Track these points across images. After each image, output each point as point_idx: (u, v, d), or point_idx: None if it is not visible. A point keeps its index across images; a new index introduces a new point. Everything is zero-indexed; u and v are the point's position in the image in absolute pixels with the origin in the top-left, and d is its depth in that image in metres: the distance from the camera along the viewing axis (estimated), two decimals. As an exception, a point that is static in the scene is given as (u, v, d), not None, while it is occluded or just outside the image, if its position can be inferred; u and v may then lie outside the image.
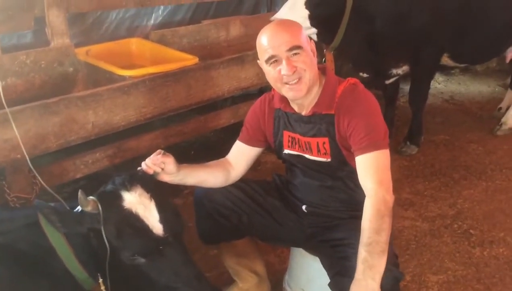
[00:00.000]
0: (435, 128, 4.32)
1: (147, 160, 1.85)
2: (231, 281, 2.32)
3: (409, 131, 3.94)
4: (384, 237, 1.62)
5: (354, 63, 3.68)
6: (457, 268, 2.61)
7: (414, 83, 3.77)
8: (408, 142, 3.91)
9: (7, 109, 2.16)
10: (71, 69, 2.93)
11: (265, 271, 2.31)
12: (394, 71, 3.67)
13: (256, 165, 3.68)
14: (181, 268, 1.69)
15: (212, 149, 3.73)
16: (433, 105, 4.79)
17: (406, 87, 4.29)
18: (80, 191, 1.64)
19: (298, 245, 2.18)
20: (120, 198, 1.69)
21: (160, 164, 1.83)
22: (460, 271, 2.59)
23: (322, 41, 3.38)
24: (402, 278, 1.73)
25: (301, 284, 2.25)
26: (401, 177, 3.54)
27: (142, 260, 1.66)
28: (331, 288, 1.76)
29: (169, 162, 1.85)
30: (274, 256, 2.68)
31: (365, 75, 3.65)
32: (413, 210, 3.15)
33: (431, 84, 3.96)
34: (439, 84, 5.50)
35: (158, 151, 1.88)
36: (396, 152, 3.86)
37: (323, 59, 3.43)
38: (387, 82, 3.83)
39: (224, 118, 3.44)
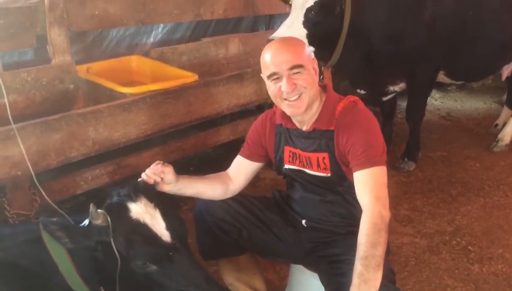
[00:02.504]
0: (432, 145, 4.35)
1: (147, 170, 1.90)
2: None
3: (407, 148, 3.97)
4: (380, 251, 1.64)
5: (351, 80, 3.74)
6: (456, 284, 2.61)
7: (411, 100, 3.82)
8: (406, 159, 3.93)
9: (13, 126, 2.18)
10: (72, 86, 2.96)
11: (265, 287, 2.31)
12: (391, 88, 3.72)
13: (255, 181, 3.70)
14: (190, 272, 1.72)
15: (211, 165, 3.73)
16: (430, 122, 4.83)
17: (403, 104, 4.34)
18: (91, 204, 1.67)
19: (297, 261, 2.19)
20: (127, 209, 1.72)
21: (159, 174, 1.87)
22: (459, 288, 2.59)
23: (320, 59, 3.41)
24: None
25: (301, 301, 2.25)
26: (399, 193, 3.55)
27: (154, 267, 1.69)
28: (328, 305, 1.76)
29: (168, 172, 1.89)
30: (273, 272, 2.67)
31: (362, 92, 3.69)
32: (412, 226, 3.16)
33: (427, 101, 4.01)
34: (436, 101, 5.56)
35: (157, 161, 1.92)
36: (394, 168, 3.88)
37: (321, 76, 3.47)
38: (384, 99, 3.87)
39: (224, 135, 3.47)
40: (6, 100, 2.17)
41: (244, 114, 3.83)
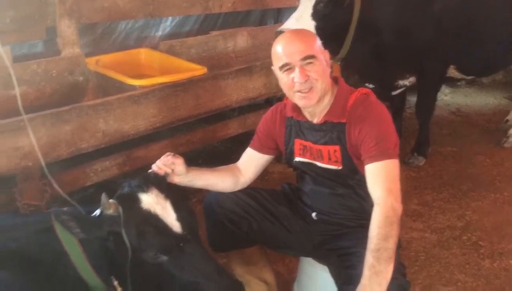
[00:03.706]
0: (442, 140, 4.32)
1: (157, 161, 1.90)
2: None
3: (417, 143, 3.94)
4: (392, 244, 1.62)
5: (360, 74, 3.71)
6: (467, 279, 2.59)
7: (421, 95, 3.79)
8: (415, 154, 3.91)
9: (24, 117, 2.18)
10: (81, 78, 2.97)
11: (275, 280, 2.30)
12: (401, 82, 3.69)
13: (263, 175, 3.68)
14: (201, 263, 1.72)
15: (220, 158, 3.72)
16: (440, 117, 4.79)
17: (413, 99, 4.30)
18: (103, 194, 1.67)
19: (307, 254, 2.18)
20: (138, 200, 1.72)
21: (170, 165, 1.87)
22: (470, 282, 2.57)
23: (329, 52, 3.40)
24: (408, 287, 1.72)
25: (310, 294, 2.24)
26: (409, 188, 3.53)
27: (165, 258, 1.69)
28: (338, 298, 1.75)
29: (179, 163, 1.89)
30: (283, 265, 2.67)
31: (371, 86, 3.66)
32: (422, 221, 3.14)
33: (437, 96, 3.97)
34: (446, 96, 5.51)
35: (168, 153, 1.92)
36: (403, 163, 3.86)
37: (330, 70, 3.44)
38: (394, 93, 3.84)
39: (232, 128, 3.46)
40: (17, 91, 2.15)
41: (253, 108, 3.82)
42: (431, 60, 3.54)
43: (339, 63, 3.49)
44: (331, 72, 3.44)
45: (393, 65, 3.56)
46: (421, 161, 3.88)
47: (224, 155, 3.88)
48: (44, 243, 1.76)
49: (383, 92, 3.86)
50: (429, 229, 3.04)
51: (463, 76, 4.08)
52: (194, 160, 3.73)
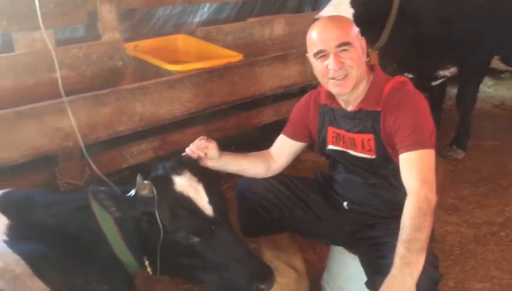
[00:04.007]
0: (483, 134, 4.18)
1: (191, 145, 1.93)
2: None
3: (456, 135, 3.84)
4: (425, 235, 1.59)
5: (399, 63, 3.62)
6: (503, 276, 2.52)
7: (462, 86, 3.67)
8: (454, 146, 3.80)
9: (65, 99, 2.25)
10: (120, 63, 3.03)
11: (304, 267, 2.30)
12: (441, 72, 3.59)
13: (296, 163, 3.68)
14: (232, 246, 1.75)
15: (254, 145, 3.71)
16: (482, 110, 4.63)
17: (454, 90, 4.17)
18: (139, 175, 1.71)
19: (337, 243, 2.17)
20: (171, 182, 1.75)
21: (203, 149, 1.90)
22: (506, 280, 2.50)
23: (367, 40, 3.33)
24: (440, 279, 1.68)
25: (339, 283, 2.23)
26: (446, 181, 3.44)
27: (196, 240, 1.72)
28: (367, 287, 1.74)
29: (212, 147, 1.92)
30: (313, 253, 2.66)
31: (410, 76, 3.57)
32: (458, 215, 3.06)
33: (480, 88, 3.83)
34: (489, 88, 5.32)
35: (202, 137, 1.95)
36: (441, 155, 3.77)
37: (368, 59, 3.38)
38: (433, 83, 3.74)
39: (266, 115, 3.46)
40: (58, 74, 2.23)
41: (287, 96, 3.80)
42: (474, 50, 3.41)
43: (377, 52, 3.41)
44: (369, 60, 3.41)
45: (433, 55, 3.46)
46: (459, 154, 3.77)
47: (258, 142, 3.88)
48: (82, 220, 1.83)
49: (422, 83, 3.78)
50: (465, 224, 2.96)
51: (508, 67, 3.92)
52: (228, 146, 3.76)
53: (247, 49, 3.61)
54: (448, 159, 3.75)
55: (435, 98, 4.02)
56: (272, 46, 3.91)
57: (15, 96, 2.55)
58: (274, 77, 3.29)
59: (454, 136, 3.84)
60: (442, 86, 3.93)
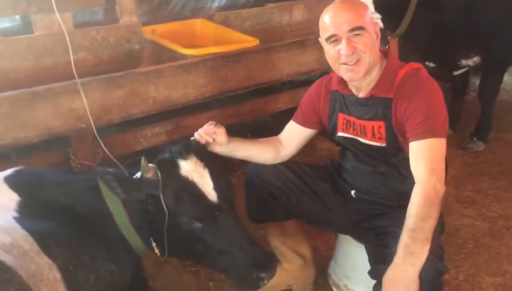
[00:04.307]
0: (506, 126, 4.05)
1: (199, 130, 1.92)
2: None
3: (477, 127, 3.73)
4: (430, 225, 1.56)
5: (420, 51, 3.52)
6: (517, 272, 2.46)
7: (485, 76, 3.56)
8: (474, 138, 3.71)
9: (78, 80, 2.28)
10: (138, 46, 3.04)
11: (311, 255, 2.30)
12: (464, 62, 3.48)
13: (311, 151, 3.67)
14: (235, 233, 1.75)
15: (269, 132, 3.69)
16: (505, 102, 4.48)
17: (478, 82, 4.05)
18: (143, 157, 1.72)
19: (344, 231, 2.15)
20: (177, 166, 1.76)
21: (212, 134, 1.89)
22: (519, 275, 2.44)
23: (387, 27, 3.27)
24: (445, 271, 1.65)
25: (346, 271, 2.22)
26: (464, 174, 3.37)
27: (199, 225, 1.73)
28: (370, 276, 1.72)
29: (221, 133, 1.91)
30: (322, 241, 2.65)
31: (431, 64, 3.49)
32: (474, 208, 2.99)
33: (503, 78, 3.70)
34: (514, 80, 5.15)
35: (210, 121, 1.94)
36: (460, 147, 3.69)
37: (387, 46, 3.32)
38: (455, 73, 3.64)
39: (282, 102, 3.44)
40: (71, 56, 2.25)
41: (305, 83, 3.76)
42: (499, 39, 3.29)
43: (397, 39, 3.33)
44: (388, 47, 3.34)
45: (456, 44, 3.36)
46: (480, 146, 3.68)
47: (273, 129, 3.83)
48: (91, 200, 1.86)
49: (444, 72, 3.69)
50: (480, 217, 2.89)
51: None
52: (243, 133, 3.76)
53: (265, 35, 3.58)
54: (468, 151, 3.67)
55: (457, 88, 3.92)
56: (290, 32, 3.87)
57: (34, 78, 2.60)
58: (291, 63, 3.26)
59: (475, 128, 3.74)
60: (465, 76, 3.82)
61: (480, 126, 3.71)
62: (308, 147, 3.63)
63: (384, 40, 3.32)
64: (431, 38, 3.37)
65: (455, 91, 3.95)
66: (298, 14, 3.91)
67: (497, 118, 3.92)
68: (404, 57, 3.40)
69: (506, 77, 3.87)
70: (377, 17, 3.13)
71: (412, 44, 3.49)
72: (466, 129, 3.86)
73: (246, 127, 3.85)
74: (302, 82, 3.78)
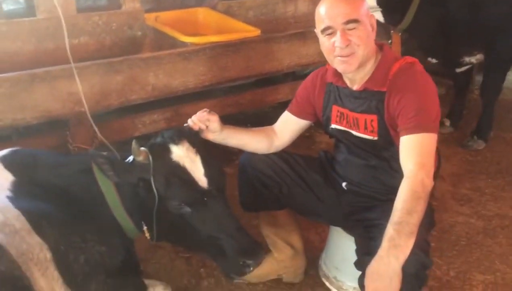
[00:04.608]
0: (507, 125, 4.03)
1: (193, 116, 1.93)
2: (267, 251, 2.34)
3: (478, 125, 3.71)
4: (416, 219, 1.56)
5: (423, 47, 3.51)
6: (508, 270, 2.45)
7: (487, 73, 3.53)
8: (475, 137, 3.69)
9: (73, 65, 2.30)
10: (140, 33, 3.06)
11: (302, 245, 2.31)
12: (467, 59, 3.46)
13: (310, 144, 3.68)
14: (223, 220, 1.77)
15: (269, 123, 3.73)
16: (508, 100, 4.45)
17: (481, 79, 4.02)
18: (134, 140, 1.74)
19: (335, 223, 2.17)
20: (168, 151, 1.78)
21: (205, 121, 1.91)
22: (510, 274, 2.43)
23: (389, 22, 3.25)
24: (430, 265, 1.66)
25: (335, 263, 2.23)
26: (462, 171, 3.36)
27: (188, 210, 1.75)
28: (356, 267, 1.73)
29: (214, 120, 1.92)
30: (315, 233, 2.67)
31: (434, 61, 3.47)
32: (470, 206, 2.99)
33: (506, 76, 3.67)
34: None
35: (204, 109, 1.95)
36: (460, 145, 3.68)
37: (389, 41, 3.30)
38: (458, 70, 3.63)
39: (282, 93, 3.43)
40: (66, 40, 2.27)
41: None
42: (503, 37, 3.26)
43: (400, 34, 3.32)
44: (390, 42, 3.33)
45: (459, 40, 3.33)
46: (480, 144, 3.66)
47: (273, 120, 3.86)
48: (84, 183, 1.88)
49: (447, 69, 3.67)
50: (476, 215, 2.89)
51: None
52: (243, 124, 3.77)
53: (268, 26, 3.57)
54: (468, 149, 3.65)
55: (460, 86, 3.89)
56: (294, 23, 3.86)
57: (36, 60, 2.63)
58: (292, 55, 3.25)
59: (476, 126, 3.72)
60: (468, 74, 3.80)
61: (481, 125, 3.69)
62: (306, 140, 3.68)
63: (387, 35, 3.31)
64: (434, 33, 3.35)
65: (457, 89, 3.93)
66: (303, 6, 3.89)
67: (499, 117, 3.91)
68: (408, 53, 3.42)
69: (509, 76, 3.84)
70: (379, 12, 3.12)
71: (415, 40, 3.48)
72: (467, 127, 3.85)
73: (245, 117, 3.87)
74: (304, 75, 3.76)
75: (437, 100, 1.80)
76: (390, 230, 1.56)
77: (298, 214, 2.25)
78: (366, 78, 1.86)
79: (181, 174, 1.75)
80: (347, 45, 1.75)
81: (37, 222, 1.69)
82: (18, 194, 1.75)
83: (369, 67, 1.85)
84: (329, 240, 2.31)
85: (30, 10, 2.96)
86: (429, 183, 1.65)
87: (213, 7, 3.55)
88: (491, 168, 3.45)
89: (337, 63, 1.82)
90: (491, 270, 2.45)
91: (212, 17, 3.45)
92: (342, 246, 2.16)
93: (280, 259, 2.27)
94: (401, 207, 1.59)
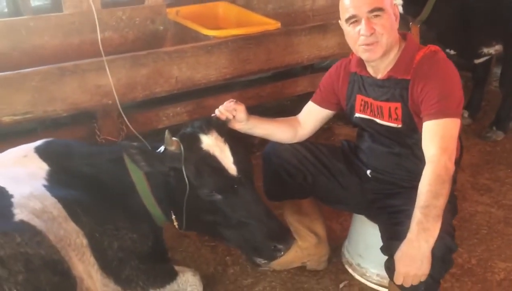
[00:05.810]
0: (526, 116, 4.01)
1: (220, 106, 1.98)
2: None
3: (497, 116, 3.71)
4: (442, 202, 1.60)
5: (441, 38, 3.49)
6: (530, 259, 2.48)
7: (506, 64, 3.52)
8: (494, 128, 3.68)
9: (104, 58, 2.36)
10: (162, 27, 3.13)
11: (325, 234, 2.35)
12: (485, 50, 3.46)
13: (329, 136, 3.70)
14: (253, 206, 1.82)
15: (287, 116, 3.76)
16: (528, 92, 4.42)
17: (500, 71, 4.01)
18: (167, 131, 1.79)
19: (358, 211, 2.20)
20: (199, 140, 1.83)
21: (232, 111, 1.95)
22: (532, 262, 2.46)
23: (408, 13, 3.27)
24: (455, 249, 1.69)
25: (359, 251, 2.28)
26: (481, 162, 3.37)
27: (219, 197, 1.81)
28: (382, 252, 1.77)
29: (240, 110, 1.97)
30: (337, 223, 2.71)
31: (452, 52, 3.47)
32: (490, 196, 3.00)
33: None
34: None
35: (231, 99, 2.00)
36: (479, 136, 3.68)
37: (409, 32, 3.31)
38: (477, 61, 3.62)
39: (302, 86, 3.47)
40: (98, 34, 2.33)
41: (327, 69, 3.78)
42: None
43: (418, 25, 3.33)
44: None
45: (478, 31, 3.33)
46: (499, 135, 3.66)
47: (292, 113, 3.90)
48: (114, 171, 1.95)
49: (465, 60, 3.66)
50: (496, 205, 2.90)
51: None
52: (262, 115, 3.81)
53: (287, 19, 3.62)
54: (487, 140, 3.65)
55: (478, 77, 3.89)
56: (312, 17, 3.90)
57: (62, 55, 2.70)
58: (312, 47, 3.28)
59: (495, 117, 3.71)
60: (487, 65, 3.79)
61: (500, 116, 3.69)
62: (326, 132, 3.70)
63: (406, 26, 3.32)
64: (453, 24, 3.35)
65: (476, 80, 3.92)
66: (321, -1, 3.92)
67: (519, 108, 3.89)
68: (425, 43, 3.43)
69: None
70: (398, 3, 3.13)
71: (433, 31, 3.48)
72: (486, 119, 3.85)
73: (265, 109, 3.89)
74: (323, 67, 3.79)
75: (460, 86, 1.83)
76: (417, 214, 1.60)
77: (321, 202, 2.29)
78: (390, 66, 1.89)
79: (212, 162, 1.81)
80: (371, 34, 1.79)
81: (73, 210, 1.76)
82: (54, 183, 1.81)
83: (393, 55, 1.88)
84: (352, 228, 2.35)
85: (56, 6, 3.03)
86: (452, 166, 1.68)
87: (233, 1, 3.59)
88: (510, 158, 3.44)
89: (361, 51, 1.86)
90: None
91: (231, 10, 3.49)
92: (365, 233, 2.20)
93: (304, 246, 2.31)
94: (427, 191, 1.62)
